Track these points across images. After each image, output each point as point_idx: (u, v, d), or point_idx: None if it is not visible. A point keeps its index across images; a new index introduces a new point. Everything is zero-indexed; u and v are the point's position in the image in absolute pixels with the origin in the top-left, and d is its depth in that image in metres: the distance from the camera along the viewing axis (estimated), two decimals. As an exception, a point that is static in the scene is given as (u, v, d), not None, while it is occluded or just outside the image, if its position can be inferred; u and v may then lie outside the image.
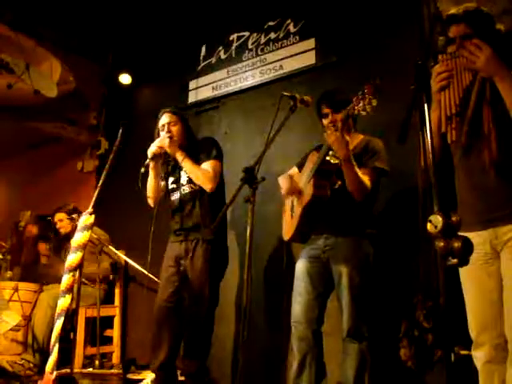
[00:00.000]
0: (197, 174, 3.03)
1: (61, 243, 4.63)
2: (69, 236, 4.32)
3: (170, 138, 3.09)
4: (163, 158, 3.17)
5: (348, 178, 2.50)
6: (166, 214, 3.26)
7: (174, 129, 3.14)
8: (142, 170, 3.02)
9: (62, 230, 4.56)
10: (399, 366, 2.40)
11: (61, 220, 4.55)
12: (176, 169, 3.24)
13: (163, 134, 3.12)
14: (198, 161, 3.08)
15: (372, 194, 2.66)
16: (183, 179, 3.17)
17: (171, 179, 3.25)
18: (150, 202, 3.23)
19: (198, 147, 3.17)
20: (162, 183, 3.27)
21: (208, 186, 3.01)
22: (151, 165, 3.11)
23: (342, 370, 2.57)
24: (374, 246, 2.65)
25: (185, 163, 3.04)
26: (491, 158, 1.82)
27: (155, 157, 3.08)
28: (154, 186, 3.19)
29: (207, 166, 3.06)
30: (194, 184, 3.10)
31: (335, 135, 2.43)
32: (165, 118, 3.17)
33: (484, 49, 1.75)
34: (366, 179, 2.54)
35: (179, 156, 3.05)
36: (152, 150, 3.07)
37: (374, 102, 2.31)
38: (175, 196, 3.20)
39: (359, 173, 2.50)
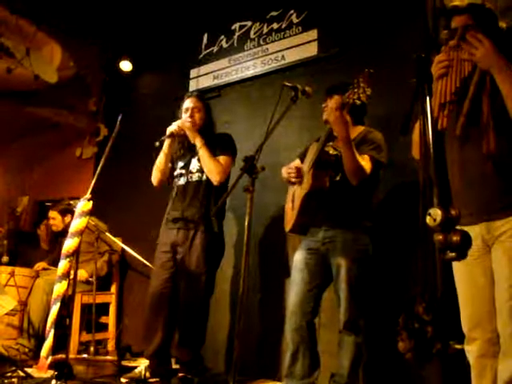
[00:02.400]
0: (209, 164, 3.03)
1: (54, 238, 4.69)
2: (60, 234, 4.43)
3: (193, 122, 3.11)
4: (179, 139, 3.18)
5: (346, 159, 2.50)
6: (166, 201, 3.26)
7: (198, 115, 3.17)
8: (157, 143, 3.04)
9: (54, 228, 4.62)
10: (395, 359, 2.41)
11: (53, 218, 4.60)
12: (187, 154, 3.23)
13: (185, 117, 3.14)
14: (211, 149, 3.08)
15: (371, 186, 2.67)
16: (193, 166, 3.17)
17: (180, 164, 3.25)
18: (155, 177, 3.24)
19: (213, 139, 3.16)
20: (169, 165, 3.28)
21: (216, 179, 3.01)
22: (167, 142, 3.13)
23: (337, 361, 2.59)
24: (373, 238, 2.65)
25: (202, 151, 3.05)
26: (489, 150, 1.81)
27: (172, 135, 3.10)
28: (163, 166, 3.21)
29: (220, 159, 3.07)
30: (203, 173, 3.10)
31: (335, 114, 2.44)
32: (190, 102, 3.20)
33: (484, 41, 1.75)
34: (364, 163, 2.53)
35: (198, 142, 3.06)
36: (171, 128, 3.09)
37: (369, 90, 2.32)
38: (181, 181, 3.19)
39: (357, 155, 2.50)
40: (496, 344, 1.80)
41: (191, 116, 3.14)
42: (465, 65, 1.79)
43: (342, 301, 2.55)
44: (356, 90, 2.34)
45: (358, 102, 2.37)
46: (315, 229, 2.72)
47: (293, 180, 2.78)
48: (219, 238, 3.14)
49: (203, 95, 3.40)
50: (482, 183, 1.85)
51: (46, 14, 4.64)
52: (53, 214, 4.60)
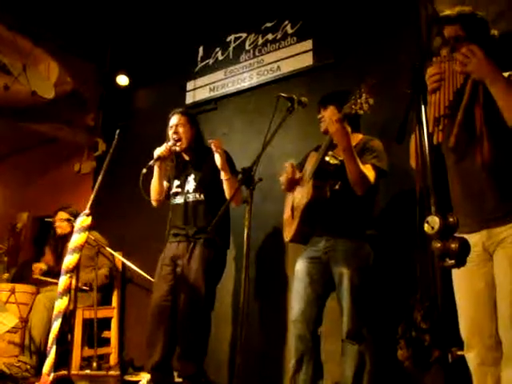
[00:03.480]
0: (231, 193, 2.99)
1: (57, 244, 4.60)
2: (65, 237, 4.32)
3: (177, 140, 3.13)
4: (171, 158, 3.21)
5: (350, 169, 2.49)
6: (167, 214, 3.26)
7: (182, 130, 3.18)
8: (144, 170, 3.02)
9: (59, 230, 4.52)
10: (398, 367, 2.40)
11: (61, 220, 4.52)
12: (182, 172, 3.26)
13: (171, 133, 3.17)
14: (207, 166, 3.10)
15: (371, 194, 2.66)
16: (189, 186, 3.18)
17: (176, 182, 3.26)
18: (152, 197, 3.24)
19: (210, 155, 3.07)
20: (166, 183, 3.29)
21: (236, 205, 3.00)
22: (156, 166, 3.14)
23: (341, 370, 2.57)
24: (374, 247, 2.65)
25: (227, 183, 3.03)
26: (484, 160, 1.82)
27: (160, 159, 3.10)
28: (158, 188, 3.22)
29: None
30: (200, 194, 3.13)
31: (335, 126, 2.43)
32: (174, 119, 3.22)
33: (476, 51, 1.75)
34: (367, 172, 2.52)
35: (226, 175, 3.02)
36: (158, 152, 3.10)
37: (371, 100, 2.31)
38: (178, 200, 3.21)
39: (360, 164, 2.49)
40: (496, 351, 1.79)
41: (175, 132, 3.16)
42: (457, 76, 1.78)
43: (344, 310, 2.54)
44: (358, 101, 2.33)
45: (361, 112, 2.36)
46: (316, 238, 2.72)
47: (286, 179, 2.81)
48: (221, 252, 3.14)
49: (187, 110, 3.43)
50: (480, 192, 1.85)
51: (43, 31, 4.68)
52: (63, 214, 4.52)
